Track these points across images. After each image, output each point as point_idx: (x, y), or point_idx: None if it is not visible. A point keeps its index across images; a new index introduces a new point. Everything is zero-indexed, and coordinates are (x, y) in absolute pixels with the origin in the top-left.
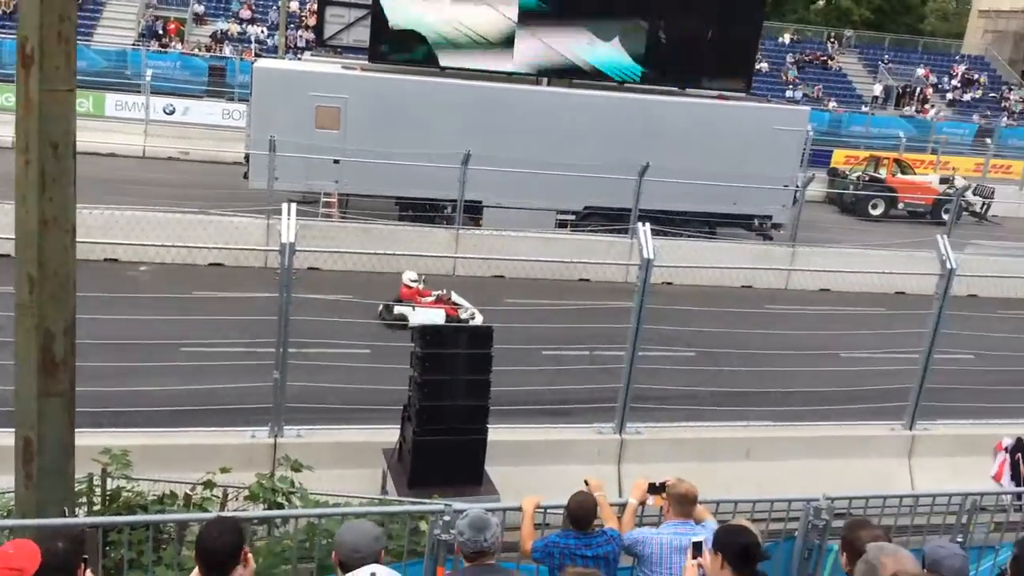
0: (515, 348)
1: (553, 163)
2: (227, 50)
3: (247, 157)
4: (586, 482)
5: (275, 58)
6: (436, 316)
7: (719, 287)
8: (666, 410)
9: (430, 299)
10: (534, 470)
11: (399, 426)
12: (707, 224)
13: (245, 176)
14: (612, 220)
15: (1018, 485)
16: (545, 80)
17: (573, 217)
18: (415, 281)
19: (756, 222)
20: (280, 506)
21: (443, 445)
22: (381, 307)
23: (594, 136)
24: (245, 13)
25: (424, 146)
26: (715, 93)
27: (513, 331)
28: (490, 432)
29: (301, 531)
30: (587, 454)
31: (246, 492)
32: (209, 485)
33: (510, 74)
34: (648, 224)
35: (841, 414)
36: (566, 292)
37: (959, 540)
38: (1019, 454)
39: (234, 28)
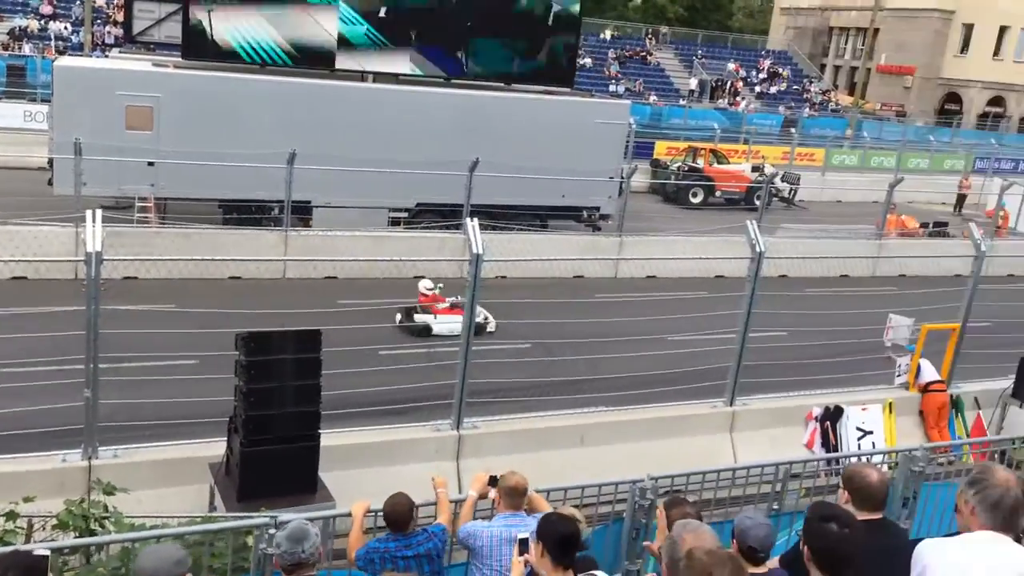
0: (351, 350)
1: (383, 160)
2: (27, 48)
3: (51, 162)
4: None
5: (80, 55)
6: (455, 322)
7: (552, 278)
8: (503, 403)
9: (444, 306)
10: (372, 472)
11: (226, 439)
12: (538, 217)
13: (49, 182)
14: (445, 216)
15: (828, 451)
16: (371, 77)
17: (406, 214)
18: (431, 289)
19: (585, 213)
20: (93, 533)
21: (272, 455)
22: (400, 316)
23: (423, 133)
24: (46, 8)
25: (246, 146)
26: (540, 89)
27: (348, 332)
28: (324, 438)
29: (115, 557)
30: (425, 452)
31: (54, 521)
32: (11, 516)
33: (333, 70)
34: (476, 219)
35: (669, 395)
36: (402, 290)
37: (775, 507)
38: (828, 422)
39: (34, 24)
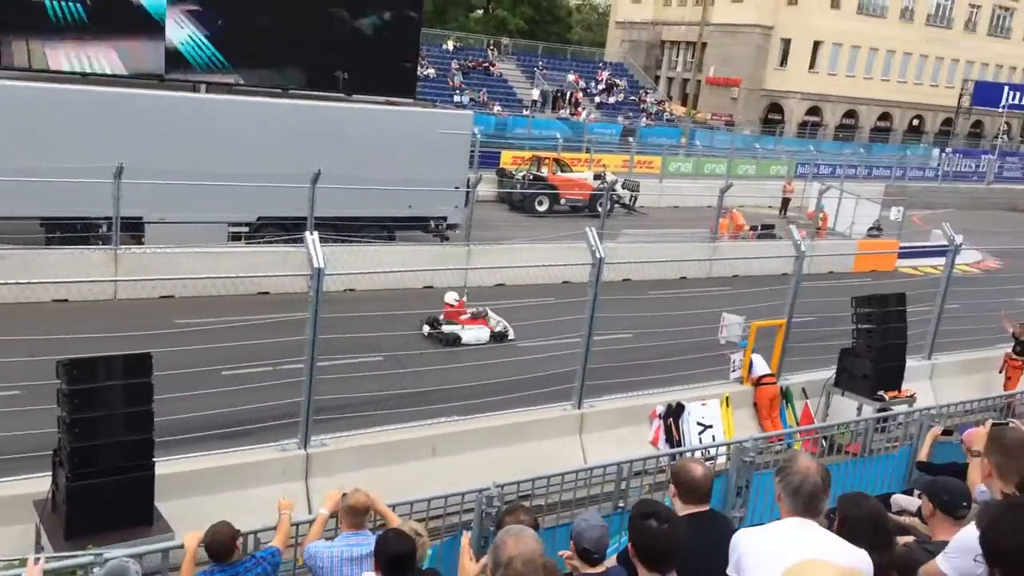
0: (190, 372)
1: (221, 173)
2: None
3: None
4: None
5: None
6: (481, 333)
7: (401, 290)
8: (353, 418)
9: (467, 316)
10: (216, 499)
11: (51, 473)
12: (385, 228)
13: None
14: (288, 230)
15: (672, 447)
16: (203, 87)
17: (247, 229)
18: (457, 300)
19: (432, 224)
20: None
21: (101, 488)
22: (427, 327)
23: (262, 145)
24: None
25: (69, 160)
26: (382, 99)
27: (187, 354)
28: (160, 466)
29: None
30: (272, 474)
31: None
32: None
33: (162, 79)
34: (317, 233)
35: (519, 401)
36: (244, 307)
37: (620, 505)
38: (670, 419)
39: None
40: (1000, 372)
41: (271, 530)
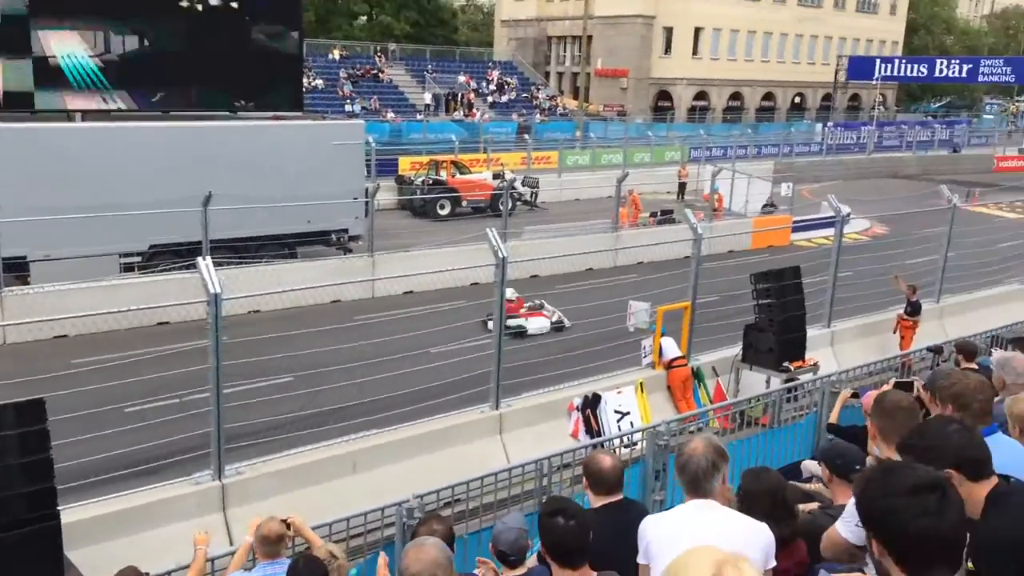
0: (92, 413)
1: (107, 204)
2: None
3: None
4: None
5: None
6: (542, 323)
7: (308, 306)
8: (269, 443)
9: (525, 309)
10: (130, 541)
11: None
12: (286, 246)
13: None
14: (184, 256)
15: (592, 438)
16: (79, 115)
17: (139, 258)
18: (516, 296)
19: (334, 237)
20: None
21: (5, 543)
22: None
23: (147, 170)
24: None
25: None
26: (269, 115)
27: (87, 394)
28: (67, 513)
29: None
30: (187, 509)
31: None
32: None
33: (33, 112)
34: (210, 257)
35: (438, 407)
36: (144, 339)
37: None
38: (588, 410)
39: None
40: (894, 333)
41: (185, 568)
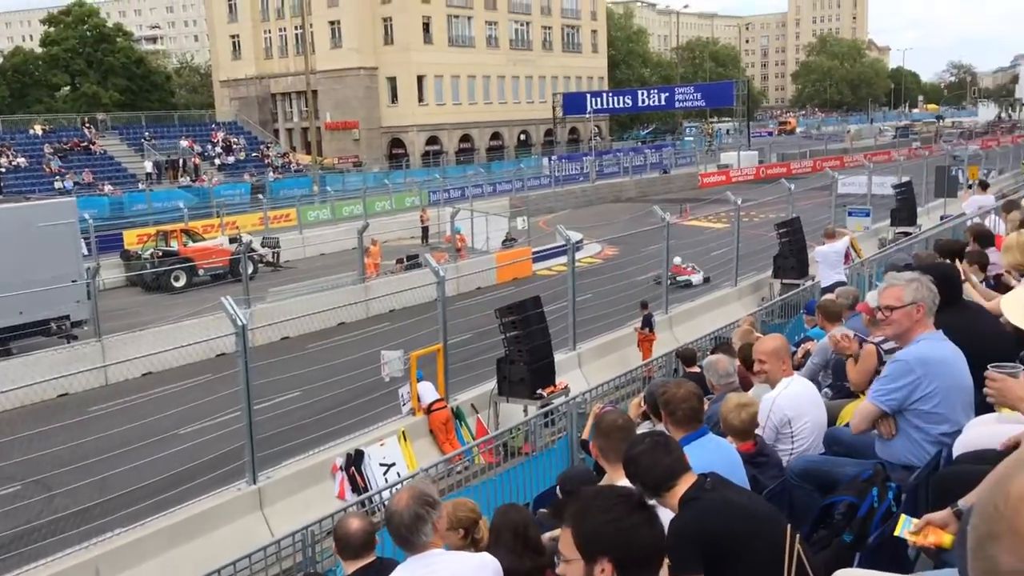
0: None
1: None
2: None
3: None
4: None
5: None
6: (698, 277)
7: (32, 405)
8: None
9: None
10: None
11: None
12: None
13: None
14: None
15: (359, 495)
16: None
17: None
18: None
19: (53, 326)
20: None
21: None
22: None
23: None
24: None
25: None
26: None
27: None
28: None
29: None
30: None
31: None
32: None
33: None
34: None
35: (192, 492)
36: None
37: (310, 571)
38: (352, 468)
39: None
40: (638, 347)
41: None
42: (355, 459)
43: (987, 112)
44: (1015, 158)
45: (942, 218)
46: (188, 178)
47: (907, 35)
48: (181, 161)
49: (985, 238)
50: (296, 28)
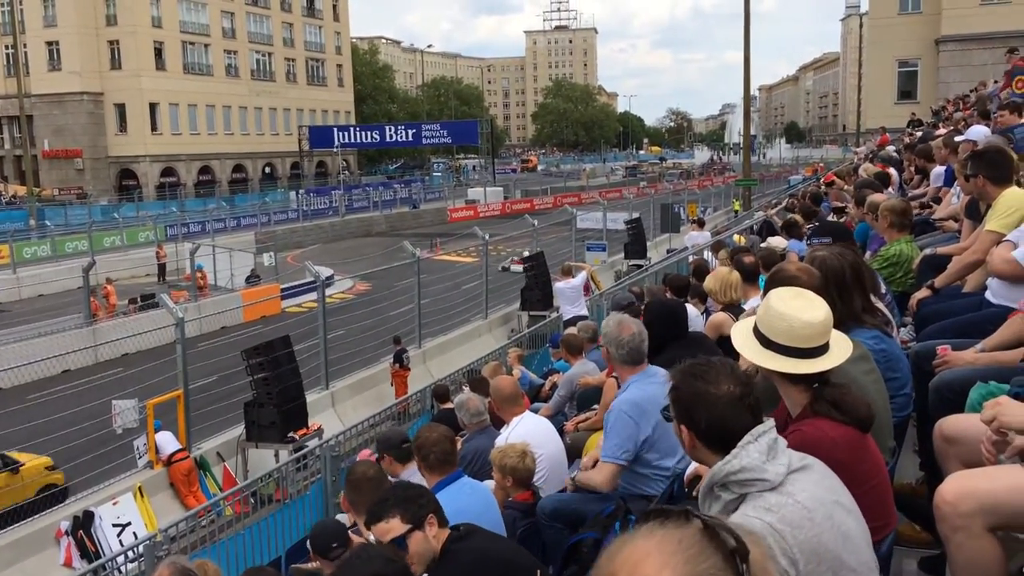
0: None
1: None
2: None
3: None
4: None
5: None
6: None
7: None
8: None
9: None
10: None
11: None
12: None
13: None
14: None
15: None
16: None
17: None
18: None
19: None
20: None
21: None
22: None
23: None
24: None
25: None
26: None
27: None
28: None
29: None
30: None
31: None
32: None
33: None
34: None
35: None
36: None
37: None
38: (80, 532)
39: None
40: (391, 384)
41: None
42: (84, 521)
43: (702, 155)
44: (727, 196)
45: (668, 251)
46: None
47: (631, 82)
48: None
49: (703, 273)
50: (7, 48)
